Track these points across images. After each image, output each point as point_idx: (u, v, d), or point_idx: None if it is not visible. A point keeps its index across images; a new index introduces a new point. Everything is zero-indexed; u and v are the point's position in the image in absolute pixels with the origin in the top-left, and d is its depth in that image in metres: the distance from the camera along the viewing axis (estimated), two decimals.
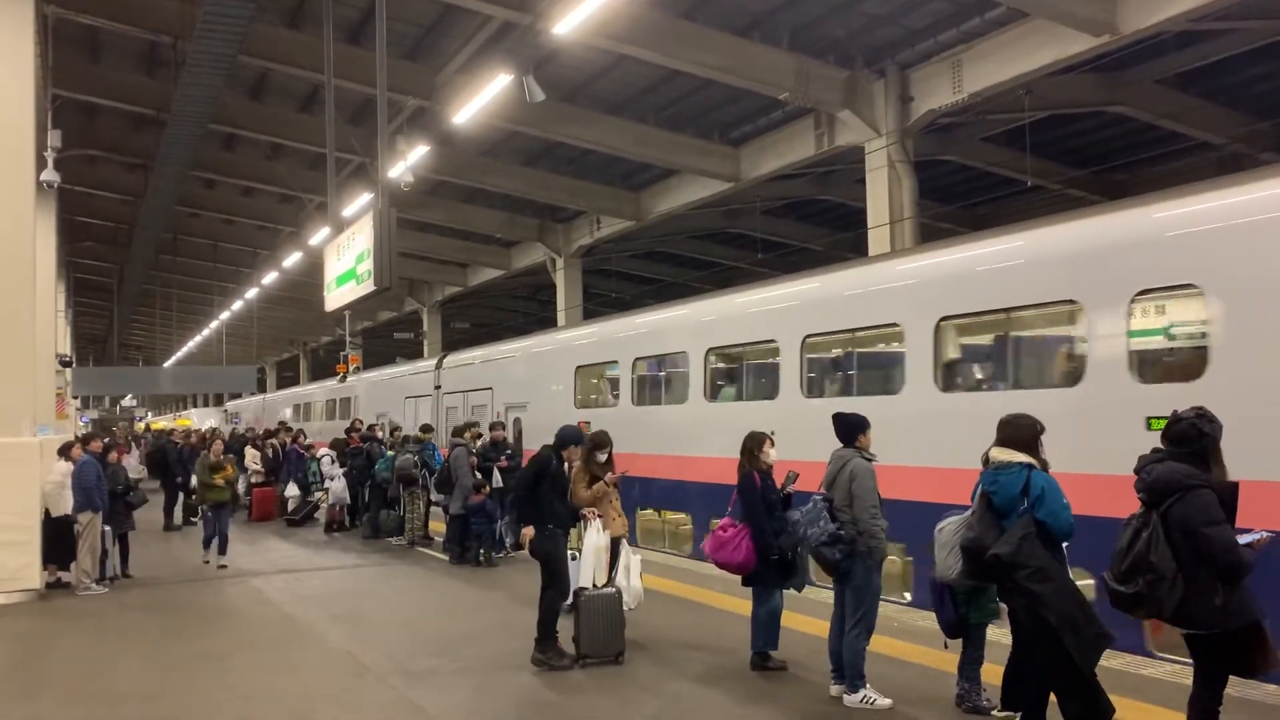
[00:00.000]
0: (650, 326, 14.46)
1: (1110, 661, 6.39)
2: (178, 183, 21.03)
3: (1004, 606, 5.48)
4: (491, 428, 13.53)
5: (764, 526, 6.93)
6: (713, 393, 12.52)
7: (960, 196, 22.06)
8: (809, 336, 10.92)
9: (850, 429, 6.61)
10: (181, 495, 18.18)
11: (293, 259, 25.44)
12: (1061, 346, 8.81)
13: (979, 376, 9.80)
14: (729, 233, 26.10)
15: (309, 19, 15.70)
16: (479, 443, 13.28)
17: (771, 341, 11.43)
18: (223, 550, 12.79)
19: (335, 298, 13.64)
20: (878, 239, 15.86)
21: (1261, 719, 5.70)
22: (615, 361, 14.76)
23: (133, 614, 9.92)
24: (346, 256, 12.70)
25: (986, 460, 5.37)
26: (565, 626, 7.61)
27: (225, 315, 38.03)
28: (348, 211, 16.87)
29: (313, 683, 7.21)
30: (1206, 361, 7.31)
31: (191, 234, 30.27)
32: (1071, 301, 8.30)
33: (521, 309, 38.41)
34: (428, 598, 10.69)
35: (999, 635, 6.10)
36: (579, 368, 15.84)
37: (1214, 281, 7.22)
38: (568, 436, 8.22)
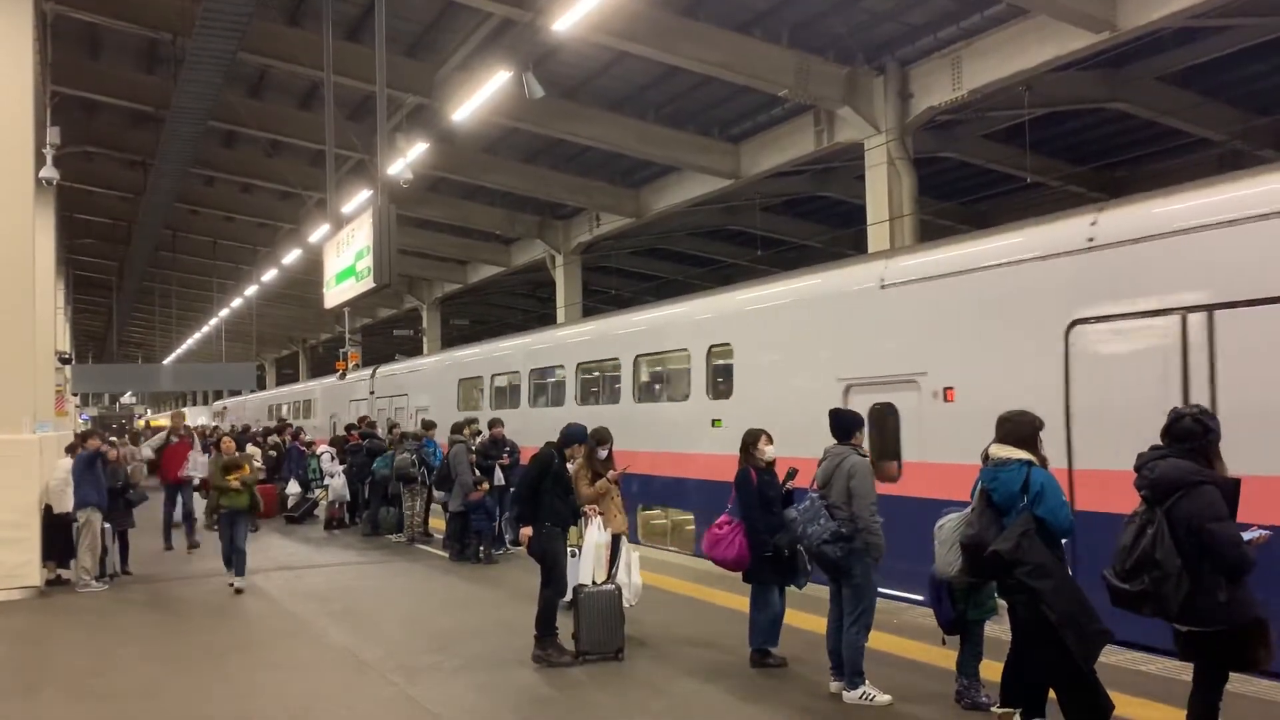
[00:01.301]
0: (501, 352, 19.71)
1: (1109, 658, 6.40)
2: (177, 180, 21.00)
3: (1002, 603, 5.49)
4: (491, 424, 13.53)
5: (757, 523, 6.94)
6: (533, 401, 17.62)
7: (960, 193, 22.07)
8: (578, 364, 16.41)
9: (847, 426, 6.61)
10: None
11: (292, 256, 25.43)
12: (684, 376, 13.43)
13: (654, 392, 14.82)
14: (729, 230, 26.11)
15: (309, 16, 15.69)
16: (478, 440, 13.28)
17: (562, 368, 16.68)
18: (239, 570, 10.78)
19: (335, 295, 13.64)
20: (877, 236, 15.86)
21: (1260, 713, 5.70)
22: (480, 376, 19.97)
23: (132, 611, 9.94)
24: (346, 253, 12.70)
25: (986, 457, 5.37)
26: (565, 623, 7.61)
27: (225, 312, 38.01)
28: (347, 208, 16.88)
29: (313, 679, 7.22)
30: (733, 387, 12.21)
31: (191, 231, 30.26)
32: (686, 349, 13.24)
33: (521, 306, 38.41)
34: (427, 594, 10.69)
35: (998, 632, 6.12)
36: (460, 380, 20.95)
37: (739, 341, 12.24)
38: (572, 434, 8.23)
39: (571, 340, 16.89)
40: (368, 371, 27.78)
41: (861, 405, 9.57)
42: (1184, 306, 7.27)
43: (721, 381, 12.64)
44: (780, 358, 11.54)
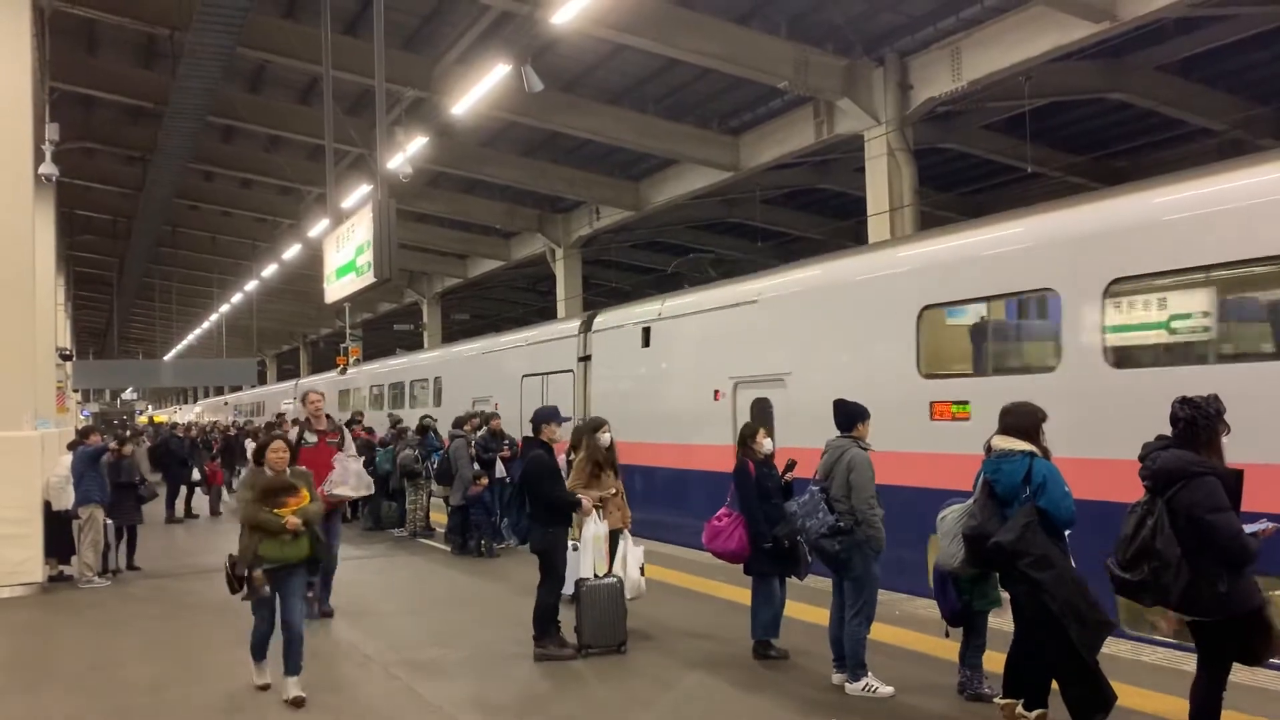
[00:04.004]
0: (351, 376, 30.34)
1: (1112, 648, 6.40)
2: (176, 175, 20.99)
3: (1005, 595, 5.49)
4: (489, 418, 13.53)
5: (756, 515, 6.94)
6: (373, 405, 26.60)
7: (960, 184, 22.04)
8: (389, 384, 26.86)
9: (850, 417, 6.59)
10: (184, 488, 18.26)
11: (292, 251, 25.44)
12: (429, 393, 23.14)
13: (418, 401, 23.83)
14: (728, 222, 26.07)
15: (306, 10, 15.65)
16: (478, 434, 13.27)
17: (380, 385, 27.59)
18: (293, 665, 6.44)
19: (335, 290, 13.61)
20: (877, 227, 15.84)
21: (1263, 705, 5.71)
22: (349, 390, 30.35)
23: (135, 606, 9.95)
24: (346, 248, 12.67)
25: (989, 448, 5.36)
26: (568, 617, 7.62)
27: (225, 308, 38.00)
28: (347, 203, 16.88)
29: (316, 673, 7.20)
30: (443, 400, 21.88)
31: (190, 226, 30.24)
32: (428, 378, 23.55)
33: (521, 300, 38.37)
34: (430, 588, 10.70)
35: (1000, 623, 6.12)
36: (340, 391, 30.90)
37: (445, 375, 22.72)
38: (542, 415, 8.03)
39: (386, 369, 27.98)
40: (293, 382, 39.20)
41: (475, 407, 17.63)
42: (555, 371, 16.85)
43: (439, 395, 22.44)
44: (456, 384, 21.72)
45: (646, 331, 14.32)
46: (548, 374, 17.08)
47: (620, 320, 15.34)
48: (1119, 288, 7.75)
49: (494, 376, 19.42)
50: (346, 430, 9.62)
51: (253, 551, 6.36)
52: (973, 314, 9.43)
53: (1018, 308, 9.15)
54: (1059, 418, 5.47)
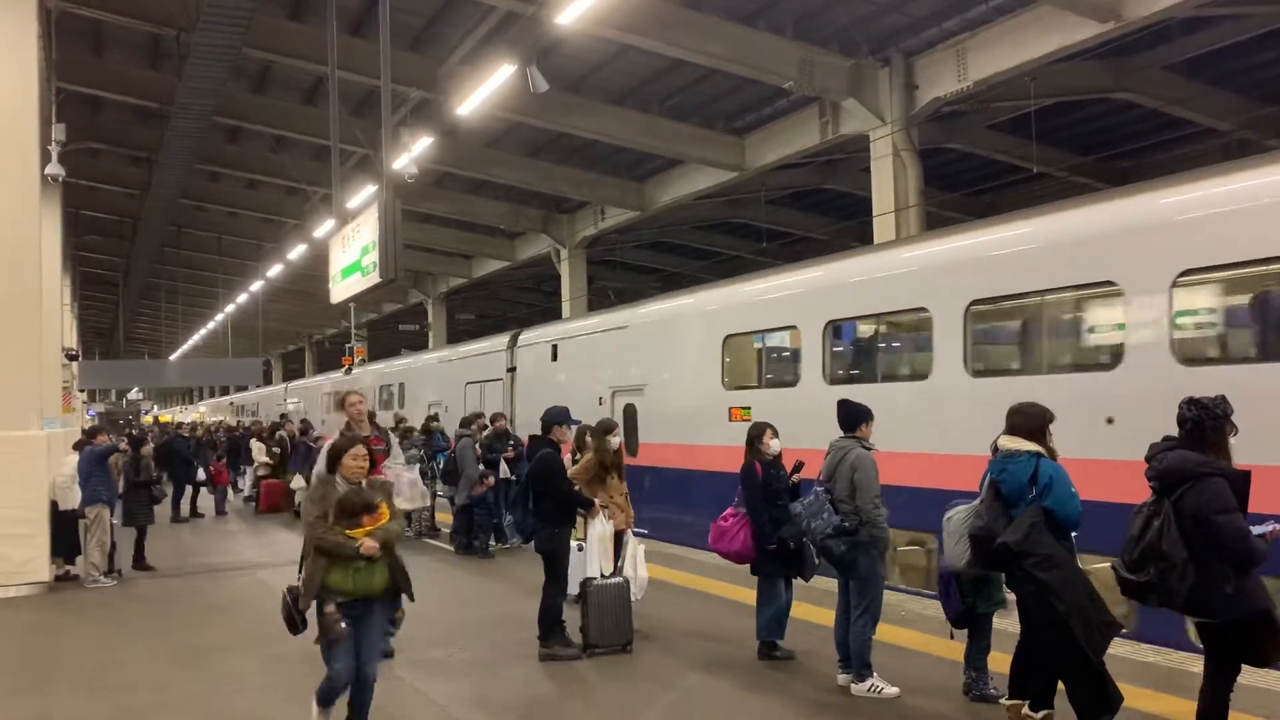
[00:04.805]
0: (292, 388, 35.82)
1: (1119, 649, 6.39)
2: (182, 175, 21.03)
3: (1010, 596, 5.48)
4: (493, 419, 13.54)
5: (761, 516, 6.93)
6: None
7: (965, 184, 21.99)
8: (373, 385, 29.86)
9: (854, 417, 6.59)
10: (189, 488, 18.30)
11: (298, 251, 25.48)
12: (396, 396, 26.56)
13: (392, 402, 26.51)
14: (733, 222, 26.06)
15: (312, 10, 15.67)
16: (484, 434, 13.27)
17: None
18: (360, 710, 5.45)
19: (340, 290, 13.61)
20: (882, 227, 15.83)
21: (1272, 706, 5.69)
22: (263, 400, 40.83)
23: (141, 606, 9.97)
24: (351, 248, 12.67)
25: (995, 449, 5.35)
26: (573, 617, 7.62)
27: (230, 308, 38.04)
28: (352, 203, 16.85)
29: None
30: (405, 403, 25.54)
31: (196, 227, 30.27)
32: (392, 383, 27.32)
33: (526, 300, 38.38)
34: (435, 589, 10.65)
35: (1006, 624, 6.11)
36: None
37: (407, 381, 26.17)
38: (554, 416, 8.05)
39: (376, 370, 30.21)
40: (282, 386, 44.70)
41: (431, 410, 19.96)
42: (491, 379, 19.46)
43: (403, 399, 25.56)
44: (416, 389, 24.86)
45: (555, 348, 17.10)
46: (485, 382, 19.88)
47: (537, 338, 18.22)
48: (834, 325, 10.90)
49: (446, 383, 22.48)
50: (393, 436, 8.69)
51: (319, 582, 5.18)
52: (753, 342, 12.65)
53: (778, 338, 12.26)
54: (797, 421, 7.24)
